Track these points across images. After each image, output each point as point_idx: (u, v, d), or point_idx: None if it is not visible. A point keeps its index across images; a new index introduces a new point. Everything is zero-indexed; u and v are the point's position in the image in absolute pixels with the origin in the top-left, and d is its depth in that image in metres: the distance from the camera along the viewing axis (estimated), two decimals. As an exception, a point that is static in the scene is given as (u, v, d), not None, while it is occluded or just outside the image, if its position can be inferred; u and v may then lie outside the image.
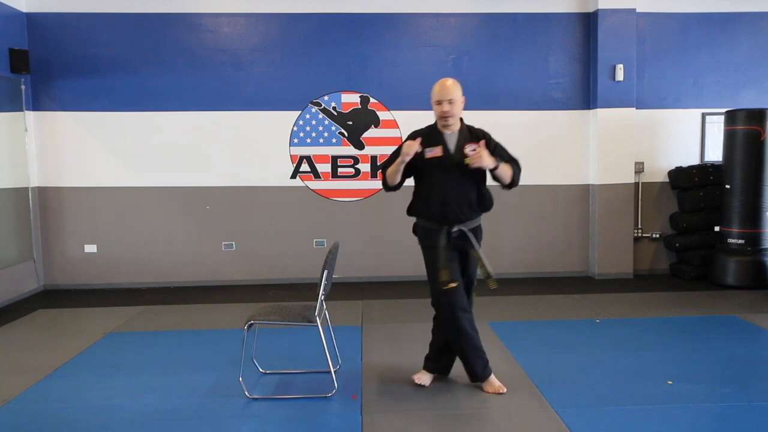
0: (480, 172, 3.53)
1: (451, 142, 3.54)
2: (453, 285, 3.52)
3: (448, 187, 3.51)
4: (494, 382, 3.69)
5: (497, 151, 3.56)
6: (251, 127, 6.77)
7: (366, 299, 6.06)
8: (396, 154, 3.60)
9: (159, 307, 5.93)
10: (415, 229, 3.74)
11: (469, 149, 3.48)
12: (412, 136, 3.59)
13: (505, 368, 4.05)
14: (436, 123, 3.62)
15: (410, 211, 3.71)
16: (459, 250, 3.60)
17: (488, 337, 4.74)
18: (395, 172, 3.54)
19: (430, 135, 3.58)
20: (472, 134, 3.59)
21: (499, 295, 6.23)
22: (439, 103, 3.50)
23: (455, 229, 3.53)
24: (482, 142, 3.47)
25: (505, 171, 3.49)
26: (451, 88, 3.48)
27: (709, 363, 4.13)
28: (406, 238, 6.57)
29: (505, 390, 3.65)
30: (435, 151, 3.51)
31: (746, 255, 6.31)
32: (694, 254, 6.74)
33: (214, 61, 6.69)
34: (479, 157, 3.35)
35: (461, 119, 3.63)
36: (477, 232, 3.63)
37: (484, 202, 3.62)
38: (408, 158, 3.44)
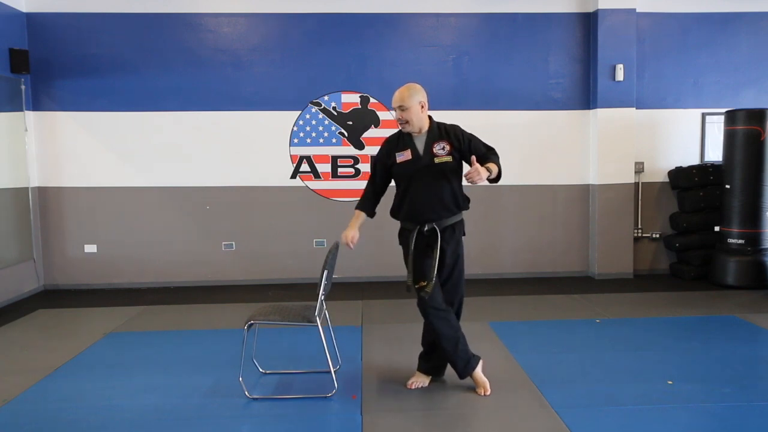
0: (453, 172, 3.56)
1: (420, 144, 3.60)
2: (422, 284, 3.54)
3: (419, 188, 3.57)
4: (479, 379, 3.66)
5: (473, 145, 3.59)
6: (251, 127, 6.77)
7: (366, 299, 6.06)
8: (373, 173, 3.77)
9: (159, 307, 5.93)
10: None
11: (437, 148, 3.55)
12: (386, 141, 3.73)
13: (505, 368, 4.05)
14: None
15: (391, 213, 3.76)
16: (432, 248, 3.60)
17: (488, 337, 4.74)
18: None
19: (400, 139, 3.67)
20: (441, 132, 3.61)
21: (499, 295, 6.26)
22: (394, 109, 3.59)
23: (426, 228, 3.58)
24: (473, 158, 3.44)
25: (495, 170, 3.47)
26: (403, 95, 3.53)
27: (709, 363, 4.13)
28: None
29: (487, 392, 3.62)
30: (405, 155, 3.60)
31: (746, 255, 6.31)
32: (694, 254, 6.74)
33: (214, 61, 6.69)
34: (477, 174, 3.32)
35: (430, 118, 3.66)
36: (455, 228, 3.64)
37: (459, 201, 3.64)
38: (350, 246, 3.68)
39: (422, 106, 3.56)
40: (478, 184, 3.40)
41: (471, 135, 3.64)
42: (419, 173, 3.56)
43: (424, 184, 3.56)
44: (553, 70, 6.87)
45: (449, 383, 3.80)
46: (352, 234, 3.66)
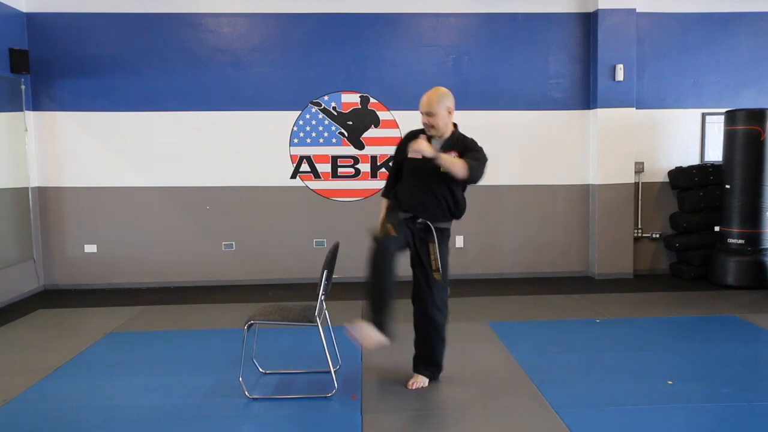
0: (456, 182, 3.58)
1: (436, 147, 3.62)
2: (391, 227, 3.55)
3: (421, 188, 3.62)
4: (364, 328, 3.48)
5: (467, 152, 3.61)
6: (251, 127, 6.77)
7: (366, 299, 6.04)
8: (393, 164, 3.83)
9: (159, 307, 5.93)
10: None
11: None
12: (407, 135, 3.81)
13: (505, 368, 4.06)
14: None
15: (386, 192, 3.88)
16: (423, 241, 3.67)
17: (488, 337, 4.74)
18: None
19: (417, 136, 3.70)
20: (458, 143, 3.65)
21: (499, 295, 6.25)
22: (422, 113, 3.63)
23: (420, 220, 3.65)
24: (423, 137, 3.58)
25: (452, 163, 3.46)
26: (432, 101, 3.57)
27: (709, 363, 4.13)
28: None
29: (355, 336, 3.47)
30: (417, 153, 3.60)
31: (746, 255, 6.31)
32: (694, 254, 6.74)
33: (214, 61, 6.69)
34: (417, 145, 3.42)
35: (455, 125, 3.70)
36: (443, 233, 3.71)
37: (458, 209, 3.71)
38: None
39: (449, 112, 3.61)
40: (415, 155, 3.46)
41: (476, 149, 3.65)
42: (425, 174, 3.59)
43: (426, 186, 3.60)
44: (553, 70, 6.87)
45: (448, 384, 3.80)
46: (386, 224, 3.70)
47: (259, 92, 6.74)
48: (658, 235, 7.10)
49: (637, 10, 6.75)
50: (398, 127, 6.69)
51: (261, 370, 4.03)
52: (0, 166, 6.10)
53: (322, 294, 3.68)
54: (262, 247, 6.88)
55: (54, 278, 6.81)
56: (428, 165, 3.56)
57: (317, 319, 3.61)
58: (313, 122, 6.80)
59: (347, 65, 6.76)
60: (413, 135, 3.75)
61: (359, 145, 6.82)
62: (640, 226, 7.07)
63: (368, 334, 3.46)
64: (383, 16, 6.74)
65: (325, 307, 3.85)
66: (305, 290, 6.09)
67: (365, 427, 3.26)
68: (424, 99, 3.59)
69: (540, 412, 3.42)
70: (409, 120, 6.68)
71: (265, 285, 6.79)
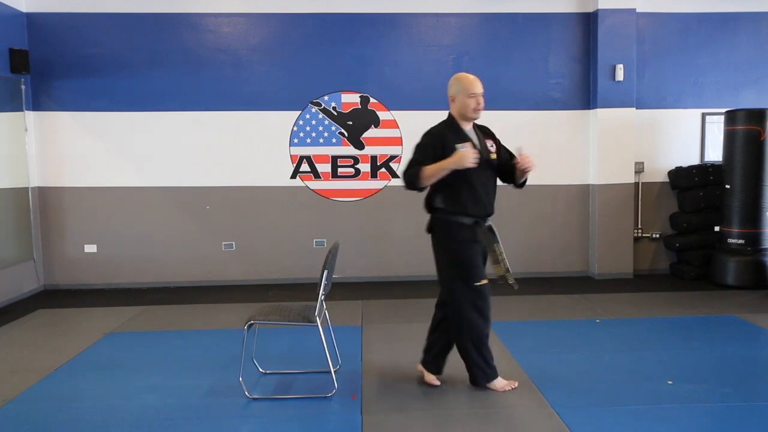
0: (497, 168, 3.68)
1: (473, 138, 3.62)
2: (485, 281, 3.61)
3: (482, 182, 3.57)
4: (499, 384, 3.70)
5: (507, 150, 3.75)
6: (251, 127, 6.77)
7: (366, 299, 6.06)
8: (422, 159, 3.48)
9: (159, 307, 5.94)
10: (436, 226, 3.61)
11: (489, 144, 3.63)
12: (435, 132, 3.58)
13: (505, 368, 4.04)
14: (451, 118, 3.61)
15: (437, 207, 3.58)
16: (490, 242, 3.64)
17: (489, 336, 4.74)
18: (436, 175, 3.45)
19: (452, 131, 3.57)
20: (481, 129, 3.71)
21: (499, 295, 6.23)
22: (474, 95, 3.52)
23: (487, 224, 3.64)
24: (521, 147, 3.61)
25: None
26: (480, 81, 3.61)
27: (709, 363, 4.13)
28: (406, 237, 6.59)
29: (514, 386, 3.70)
30: (466, 147, 3.49)
31: (746, 255, 6.31)
32: (694, 254, 6.74)
33: (214, 61, 6.69)
34: (530, 162, 3.52)
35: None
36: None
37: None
38: (469, 166, 3.39)
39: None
40: (530, 170, 3.56)
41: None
42: (481, 167, 3.48)
43: (486, 178, 3.59)
44: (553, 70, 6.87)
45: (449, 383, 3.80)
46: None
47: (259, 92, 6.74)
48: (658, 235, 7.10)
49: (637, 10, 6.75)
50: (398, 127, 6.69)
51: (261, 370, 4.04)
52: (0, 166, 6.11)
53: (322, 294, 3.68)
54: (262, 247, 6.88)
55: (54, 278, 6.80)
56: (481, 158, 3.48)
57: (317, 319, 3.61)
58: (313, 122, 6.80)
59: (347, 65, 6.76)
60: (446, 130, 3.57)
61: (359, 145, 6.82)
62: (640, 226, 7.07)
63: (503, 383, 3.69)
64: (383, 16, 6.74)
65: (325, 307, 3.85)
66: (305, 290, 6.09)
67: (365, 427, 3.26)
68: (473, 80, 3.54)
69: (540, 412, 3.42)
70: (410, 120, 6.69)
71: (265, 285, 6.79)
